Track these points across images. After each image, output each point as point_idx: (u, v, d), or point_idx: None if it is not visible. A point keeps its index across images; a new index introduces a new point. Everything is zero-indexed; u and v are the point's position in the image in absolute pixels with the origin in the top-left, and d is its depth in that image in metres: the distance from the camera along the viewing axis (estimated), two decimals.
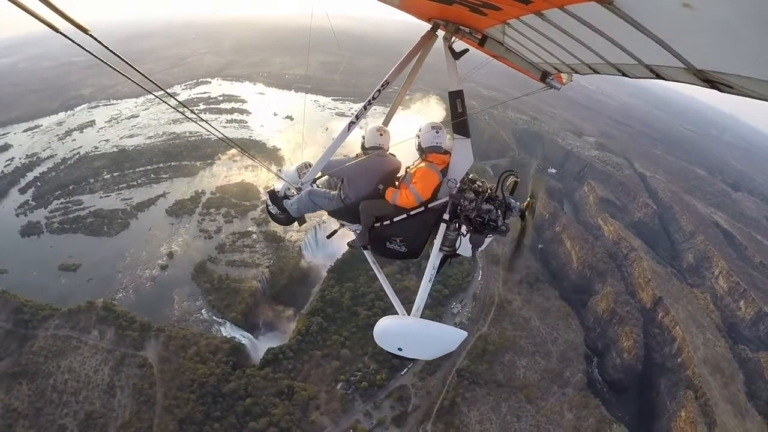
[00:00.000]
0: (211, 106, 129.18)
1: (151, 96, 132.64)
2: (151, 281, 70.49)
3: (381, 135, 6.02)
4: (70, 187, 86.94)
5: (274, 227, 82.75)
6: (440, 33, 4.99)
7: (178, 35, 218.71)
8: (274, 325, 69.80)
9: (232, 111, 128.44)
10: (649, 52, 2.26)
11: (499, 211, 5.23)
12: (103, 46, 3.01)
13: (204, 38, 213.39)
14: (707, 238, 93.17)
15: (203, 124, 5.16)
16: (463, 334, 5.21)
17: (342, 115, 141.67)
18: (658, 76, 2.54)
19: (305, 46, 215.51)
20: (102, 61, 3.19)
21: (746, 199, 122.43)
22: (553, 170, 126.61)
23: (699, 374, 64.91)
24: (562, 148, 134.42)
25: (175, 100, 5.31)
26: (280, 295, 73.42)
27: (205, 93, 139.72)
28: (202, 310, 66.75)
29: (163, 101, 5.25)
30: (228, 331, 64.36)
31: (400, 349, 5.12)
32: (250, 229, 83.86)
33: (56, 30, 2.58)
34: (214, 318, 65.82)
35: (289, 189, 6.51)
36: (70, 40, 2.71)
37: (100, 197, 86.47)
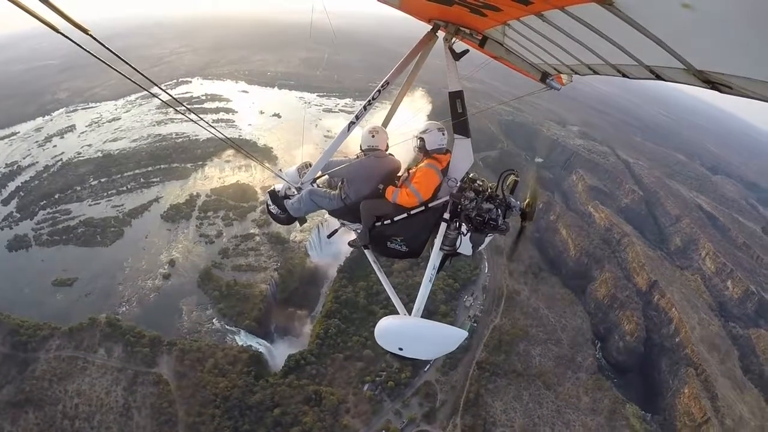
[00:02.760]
0: (195, 106, 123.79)
1: (131, 97, 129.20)
2: (155, 292, 67.39)
3: (374, 136, 6.00)
4: (56, 196, 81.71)
5: (277, 228, 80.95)
6: (440, 34, 5.00)
7: (153, 35, 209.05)
8: (288, 330, 68.49)
9: (217, 110, 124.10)
10: (649, 53, 2.26)
11: (499, 210, 5.28)
12: (105, 47, 3.02)
13: (180, 37, 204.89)
14: (692, 221, 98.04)
15: (207, 126, 5.13)
16: (464, 333, 5.23)
17: (329, 111, 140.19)
18: (658, 77, 2.55)
19: (284, 43, 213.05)
20: (104, 62, 3.22)
21: (725, 182, 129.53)
22: (540, 160, 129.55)
23: (697, 352, 68.56)
24: (547, 137, 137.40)
25: (174, 99, 5.17)
26: (291, 298, 72.09)
27: (187, 93, 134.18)
28: (214, 320, 64.49)
29: (166, 103, 5.04)
30: (243, 339, 62.58)
31: (401, 349, 5.08)
32: (251, 231, 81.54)
33: (56, 30, 2.58)
34: (227, 327, 63.79)
35: (289, 189, 6.46)
36: (70, 40, 2.74)
37: (89, 205, 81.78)
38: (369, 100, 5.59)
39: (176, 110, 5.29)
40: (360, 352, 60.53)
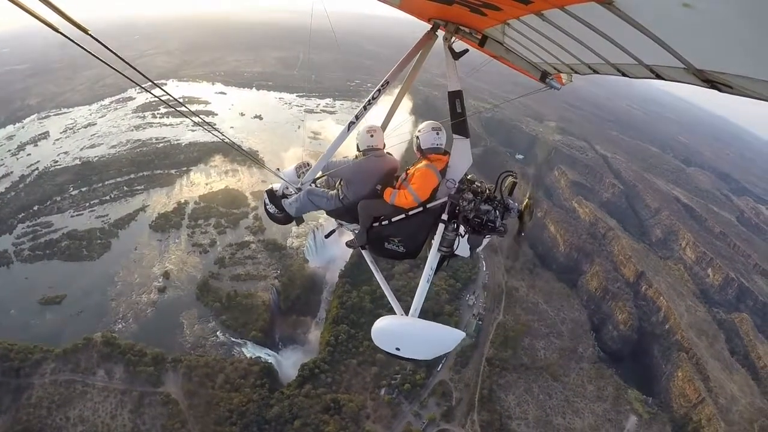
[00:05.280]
0: (173, 109, 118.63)
1: (105, 101, 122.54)
2: (152, 306, 64.40)
3: (372, 136, 6.01)
4: (35, 208, 76.59)
5: (273, 235, 79.20)
6: (440, 33, 5.06)
7: (122, 36, 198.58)
8: (293, 338, 67.24)
9: (196, 113, 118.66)
10: (649, 52, 2.31)
11: (497, 211, 5.29)
12: (104, 46, 3.11)
13: (149, 39, 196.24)
14: (671, 213, 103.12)
15: (212, 130, 5.44)
16: (461, 334, 5.25)
17: (311, 111, 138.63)
18: (658, 77, 2.60)
19: (257, 42, 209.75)
20: (103, 62, 3.33)
21: (699, 174, 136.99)
22: (521, 156, 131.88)
23: (687, 337, 72.26)
24: (526, 134, 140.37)
25: (178, 102, 5.26)
26: (293, 306, 70.62)
27: (164, 95, 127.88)
28: (218, 333, 62.38)
29: (169, 105, 5.25)
30: (250, 351, 60.87)
31: (397, 349, 5.06)
32: (246, 238, 79.27)
33: (56, 30, 2.64)
34: (233, 339, 61.91)
35: (287, 188, 6.47)
36: (70, 39, 2.80)
37: (72, 216, 77.19)
38: (369, 100, 5.54)
39: (180, 112, 5.25)
40: (372, 357, 59.95)
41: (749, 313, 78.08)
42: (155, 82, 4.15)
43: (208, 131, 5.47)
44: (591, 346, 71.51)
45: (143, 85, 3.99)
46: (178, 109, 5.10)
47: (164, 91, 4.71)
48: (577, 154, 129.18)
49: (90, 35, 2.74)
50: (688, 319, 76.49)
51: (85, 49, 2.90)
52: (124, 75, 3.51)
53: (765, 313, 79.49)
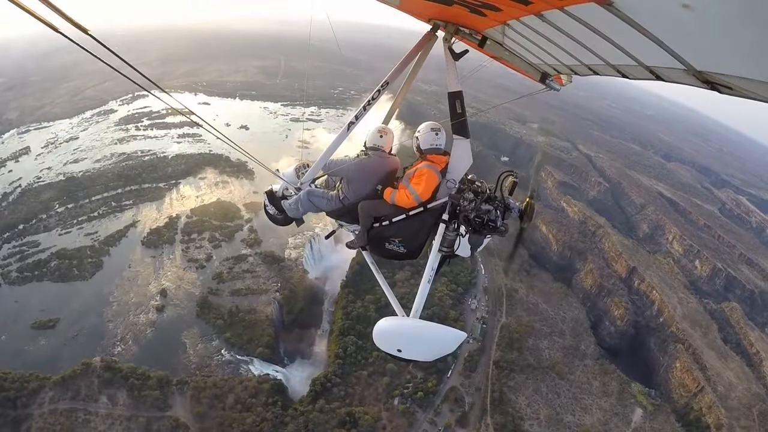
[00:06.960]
0: (156, 121, 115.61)
1: (86, 114, 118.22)
2: (151, 327, 62.06)
3: (381, 137, 6.01)
4: (20, 227, 72.92)
5: (269, 246, 77.84)
6: (440, 34, 5.10)
7: (100, 48, 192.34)
8: (298, 351, 65.99)
9: (180, 125, 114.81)
10: (648, 54, 2.32)
11: (498, 211, 5.32)
12: (104, 46, 3.15)
13: (127, 49, 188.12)
14: (656, 208, 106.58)
15: (220, 135, 5.44)
16: (463, 335, 5.25)
17: (297, 120, 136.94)
18: (658, 78, 2.63)
19: (237, 52, 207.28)
20: (105, 63, 3.38)
21: (680, 168, 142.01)
22: (506, 158, 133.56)
23: (682, 329, 74.63)
24: (510, 136, 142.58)
25: (185, 107, 5.32)
26: (297, 319, 69.40)
27: (145, 107, 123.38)
28: (222, 351, 60.64)
29: (174, 108, 5.21)
30: (258, 368, 59.46)
31: (399, 351, 5.12)
32: (243, 252, 77.47)
33: (56, 30, 2.68)
34: (239, 357, 60.28)
35: (287, 189, 6.47)
36: (70, 40, 2.84)
37: (60, 234, 73.80)
38: (368, 101, 5.55)
39: (186, 116, 5.30)
40: (383, 367, 59.53)
41: (738, 302, 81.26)
42: (159, 86, 4.19)
43: (223, 140, 5.42)
44: (592, 344, 72.90)
45: (150, 91, 4.02)
46: (182, 112, 5.12)
47: (168, 94, 4.71)
48: (561, 155, 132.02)
49: (90, 35, 2.74)
50: (681, 311, 78.94)
51: (85, 50, 2.87)
52: (126, 76, 3.46)
53: (753, 301, 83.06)
